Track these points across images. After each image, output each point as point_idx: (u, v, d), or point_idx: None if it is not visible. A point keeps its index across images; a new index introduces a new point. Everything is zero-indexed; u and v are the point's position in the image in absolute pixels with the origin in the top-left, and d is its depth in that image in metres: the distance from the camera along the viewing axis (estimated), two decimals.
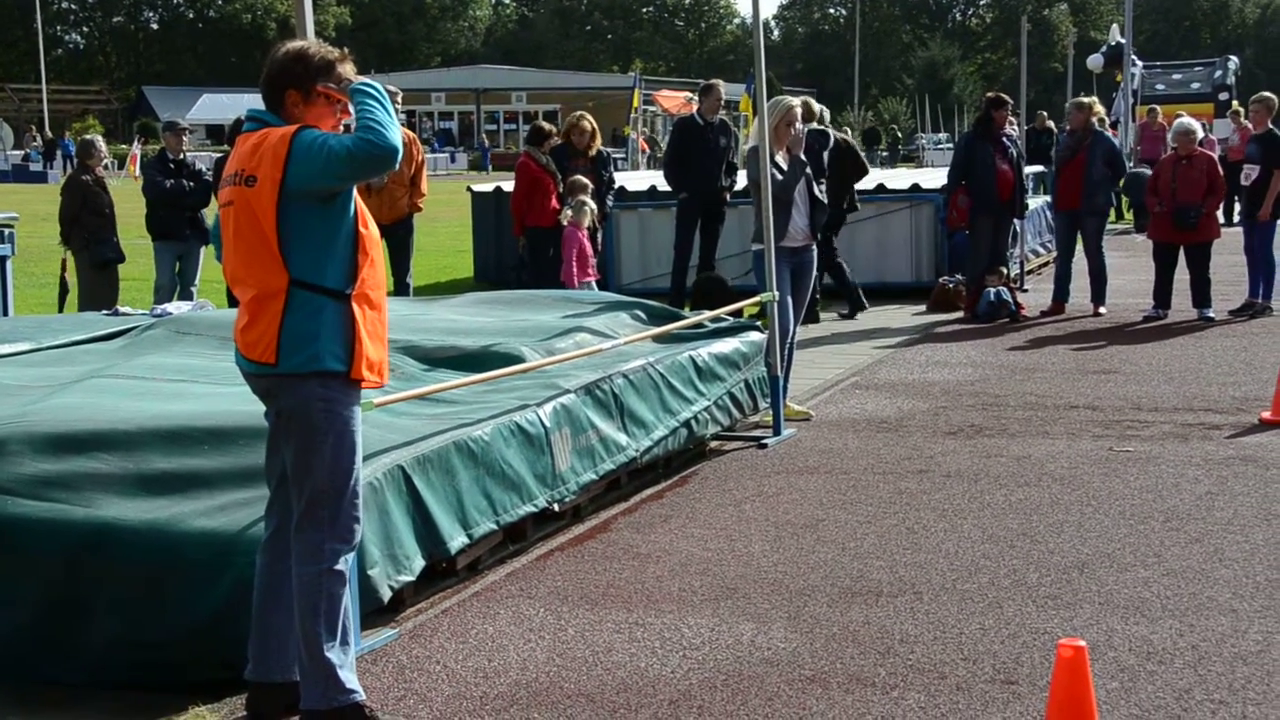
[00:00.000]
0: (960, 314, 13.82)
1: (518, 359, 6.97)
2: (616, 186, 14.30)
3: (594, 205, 12.02)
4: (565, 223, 11.75)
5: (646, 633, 5.15)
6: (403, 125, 11.67)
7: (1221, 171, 13.47)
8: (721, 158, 13.88)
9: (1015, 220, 14.67)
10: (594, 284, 11.75)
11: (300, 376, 4.17)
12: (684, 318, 8.99)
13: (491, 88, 76.21)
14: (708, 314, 9.03)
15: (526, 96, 74.52)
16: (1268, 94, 13.84)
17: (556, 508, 6.38)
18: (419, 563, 5.30)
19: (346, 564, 4.31)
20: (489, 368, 6.62)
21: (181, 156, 12.80)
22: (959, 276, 14.37)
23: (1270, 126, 13.49)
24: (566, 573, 5.91)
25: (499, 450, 5.90)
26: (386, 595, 5.09)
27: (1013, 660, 4.80)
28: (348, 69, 4.31)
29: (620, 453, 6.94)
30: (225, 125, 41.93)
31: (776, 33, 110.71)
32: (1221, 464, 7.57)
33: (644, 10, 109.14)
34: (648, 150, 42.50)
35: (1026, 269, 16.89)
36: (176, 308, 9.27)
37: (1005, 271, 13.99)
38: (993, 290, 13.52)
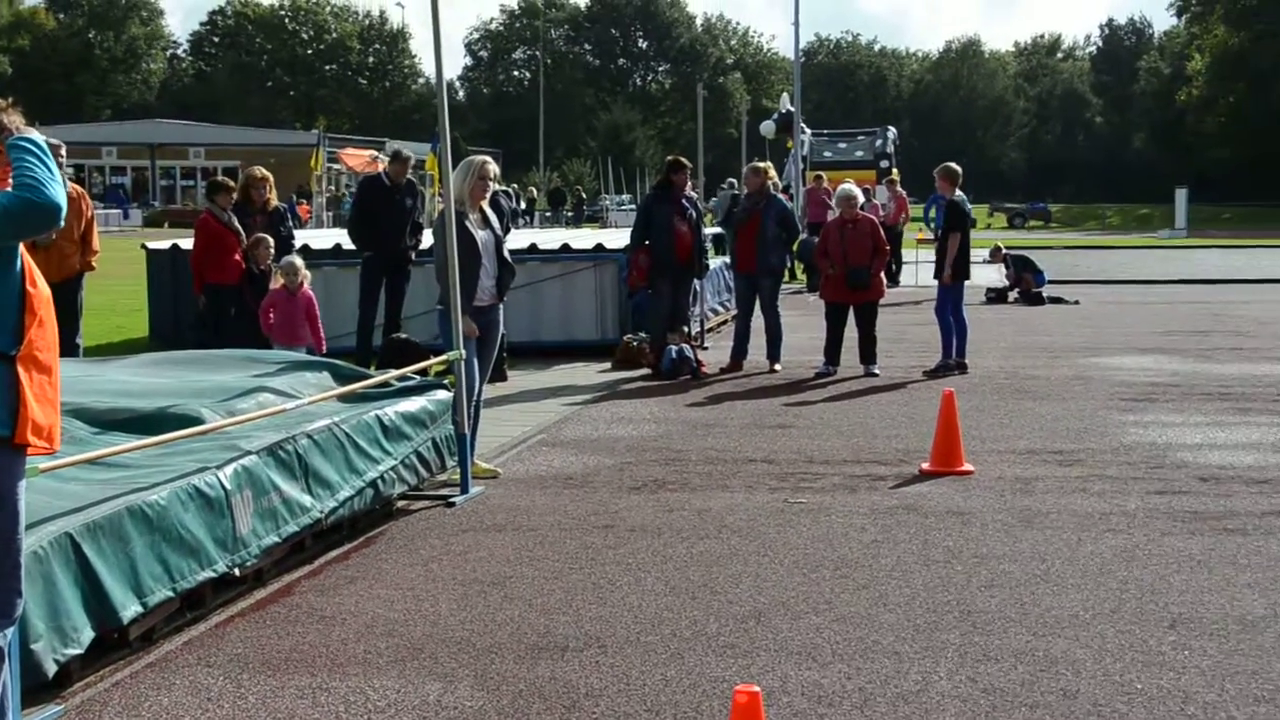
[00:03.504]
0: (644, 371, 14.13)
1: (196, 420, 6.78)
2: (300, 245, 14.09)
3: (301, 263, 11.63)
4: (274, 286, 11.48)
5: (330, 697, 5.07)
6: (70, 180, 11.25)
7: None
8: (407, 217, 13.86)
9: (695, 280, 15.11)
10: (305, 349, 11.20)
11: None
12: (370, 377, 8.91)
13: (167, 143, 73.94)
14: (394, 373, 8.98)
15: (205, 152, 72.55)
16: (949, 164, 14.57)
17: (238, 572, 6.22)
18: (88, 634, 5.08)
19: (5, 639, 4.10)
20: (165, 430, 6.41)
21: None
22: (642, 334, 14.70)
23: (959, 193, 14.21)
24: (247, 639, 5.76)
25: (176, 515, 5.72)
26: (52, 670, 4.85)
27: (693, 709, 4.93)
28: (13, 119, 4.12)
29: (304, 514, 6.82)
30: None
31: (462, 93, 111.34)
32: (886, 513, 7.96)
33: (327, 68, 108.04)
34: (308, 217, 42.02)
35: (706, 327, 17.42)
36: None
37: (686, 330, 14.39)
38: (674, 348, 13.88)
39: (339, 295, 15.40)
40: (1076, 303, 22.86)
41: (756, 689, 3.75)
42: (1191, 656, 5.41)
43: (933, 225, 17.98)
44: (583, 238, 18.86)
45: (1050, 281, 24.03)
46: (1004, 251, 24.99)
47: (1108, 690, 5.04)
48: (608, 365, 14.65)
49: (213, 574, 5.95)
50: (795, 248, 21.04)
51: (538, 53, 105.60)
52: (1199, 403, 11.96)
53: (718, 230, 20.99)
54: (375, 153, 58.04)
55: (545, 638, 5.74)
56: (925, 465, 9.21)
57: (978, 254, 24.79)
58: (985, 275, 24.81)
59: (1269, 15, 78.66)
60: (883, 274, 14.35)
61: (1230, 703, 4.92)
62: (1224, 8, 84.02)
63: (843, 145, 43.77)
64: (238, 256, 12.25)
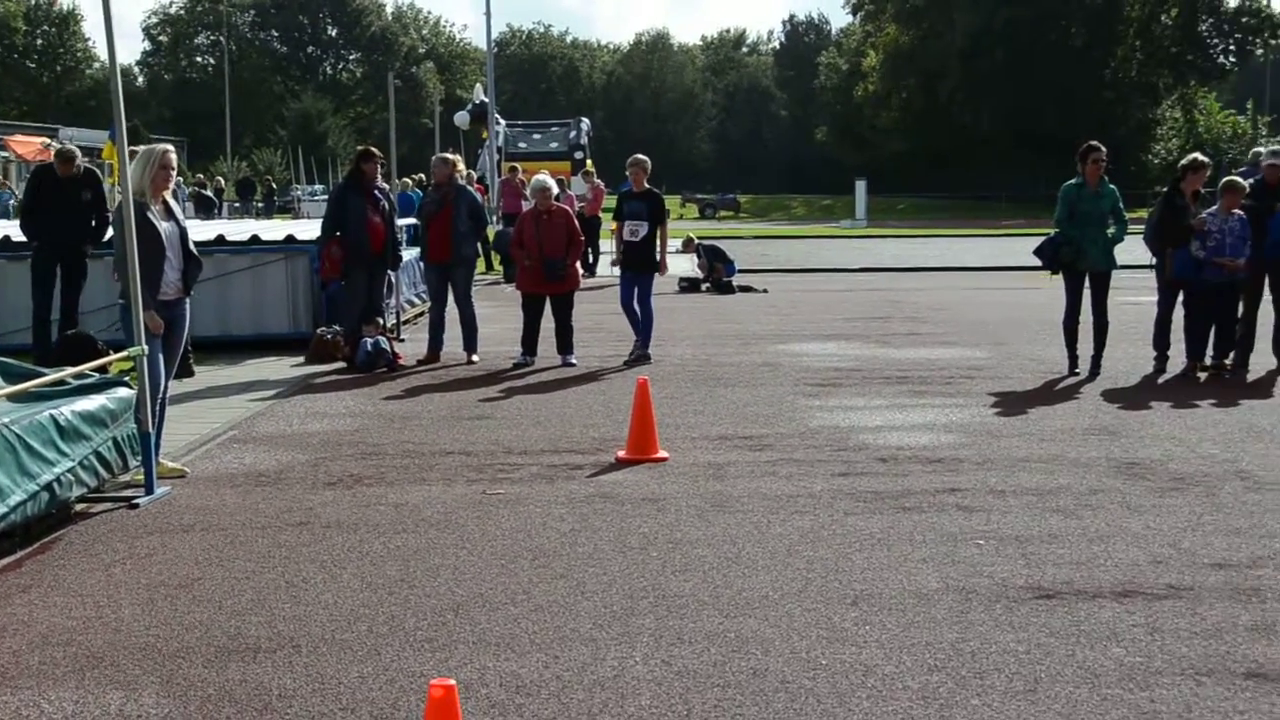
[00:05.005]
0: (339, 364, 13.89)
1: None
2: None
3: None
4: None
5: (0, 711, 4.80)
6: None
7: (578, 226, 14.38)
8: (83, 208, 13.25)
9: (389, 271, 14.93)
10: None
11: None
12: (44, 375, 8.47)
13: None
14: (70, 370, 8.57)
15: None
16: (642, 156, 14.76)
17: None
18: None
19: None
20: None
21: None
22: (336, 327, 14.44)
23: (648, 185, 14.47)
24: None
25: None
26: None
27: (390, 706, 4.87)
28: None
29: None
30: None
31: (141, 79, 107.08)
32: (583, 502, 8.05)
33: None
34: None
35: (402, 319, 17.25)
36: None
37: (381, 321, 14.22)
38: (370, 340, 13.69)
39: (10, 290, 14.65)
40: (765, 291, 23.60)
41: (452, 682, 3.73)
42: (872, 631, 5.65)
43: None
44: (273, 229, 18.38)
45: (740, 271, 24.74)
46: (696, 242, 25.60)
47: (795, 667, 5.23)
48: (301, 359, 14.34)
49: None
50: (492, 238, 21.03)
51: (222, 38, 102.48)
52: (879, 387, 12.52)
53: (412, 221, 20.79)
54: (47, 140, 55.21)
55: (236, 640, 5.58)
56: (621, 453, 9.35)
57: (670, 244, 25.38)
58: (678, 265, 25.35)
59: (934, 15, 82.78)
60: (579, 265, 14.50)
61: (907, 673, 5.16)
62: (894, 7, 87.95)
63: (537, 136, 44.09)
64: None
